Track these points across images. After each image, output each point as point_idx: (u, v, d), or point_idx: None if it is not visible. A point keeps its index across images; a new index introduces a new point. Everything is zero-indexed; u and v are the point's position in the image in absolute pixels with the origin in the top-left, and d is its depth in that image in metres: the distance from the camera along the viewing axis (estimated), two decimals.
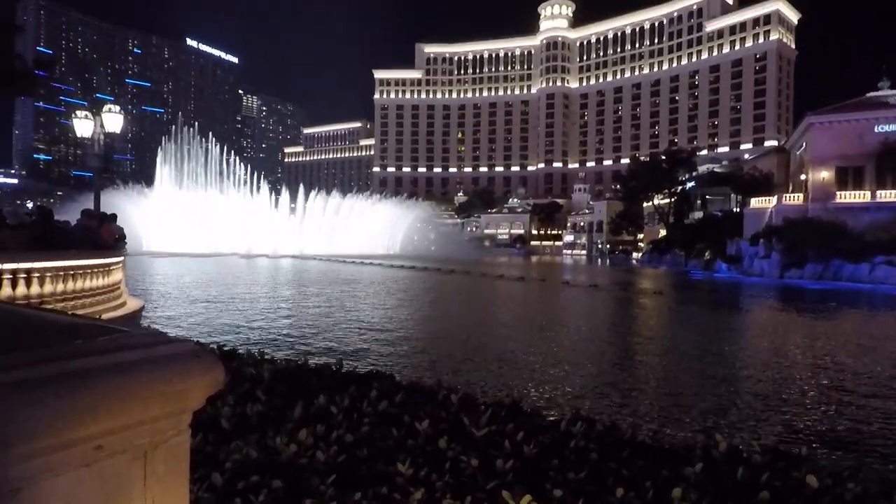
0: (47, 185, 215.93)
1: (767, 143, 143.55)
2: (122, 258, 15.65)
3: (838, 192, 60.55)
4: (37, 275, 11.04)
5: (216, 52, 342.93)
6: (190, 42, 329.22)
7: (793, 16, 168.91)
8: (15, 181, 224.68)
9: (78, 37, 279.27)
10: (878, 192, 58.36)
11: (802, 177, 68.08)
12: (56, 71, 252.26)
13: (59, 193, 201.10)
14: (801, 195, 64.92)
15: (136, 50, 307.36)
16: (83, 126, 17.60)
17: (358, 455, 3.13)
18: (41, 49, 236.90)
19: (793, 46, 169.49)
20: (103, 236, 14.71)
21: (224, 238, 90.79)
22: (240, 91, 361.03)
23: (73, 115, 17.95)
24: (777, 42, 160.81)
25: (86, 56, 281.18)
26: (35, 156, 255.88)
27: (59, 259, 11.74)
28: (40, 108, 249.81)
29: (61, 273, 11.71)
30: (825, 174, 62.41)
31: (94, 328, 1.44)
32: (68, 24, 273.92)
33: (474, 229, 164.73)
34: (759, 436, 8.24)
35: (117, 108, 18.42)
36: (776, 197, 66.83)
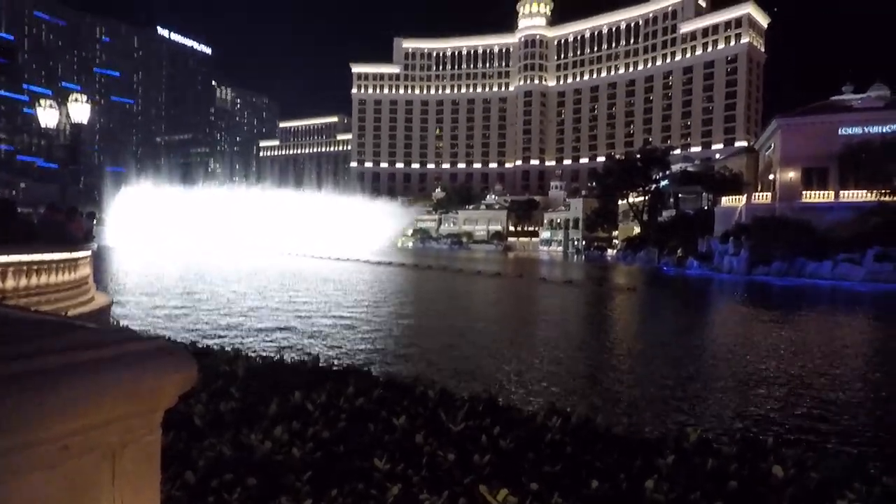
0: (9, 175, 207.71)
1: (738, 144, 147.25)
2: (89, 252, 15.17)
3: (804, 192, 62.54)
4: None
5: (188, 42, 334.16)
6: (161, 31, 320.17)
7: (763, 20, 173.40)
8: None
9: (42, 23, 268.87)
10: (841, 193, 60.47)
11: (770, 176, 70.08)
12: (19, 58, 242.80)
13: (22, 185, 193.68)
14: (769, 194, 66.83)
15: (103, 38, 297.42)
16: (48, 116, 16.99)
17: (334, 451, 3.11)
18: (3, 35, 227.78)
19: (762, 50, 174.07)
20: (72, 230, 14.25)
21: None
22: (213, 83, 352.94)
23: (37, 105, 17.32)
24: (748, 45, 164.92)
25: (50, 43, 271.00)
26: None
27: (22, 253, 11.32)
28: (1, 96, 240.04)
29: (24, 268, 11.30)
30: (792, 174, 64.37)
31: (60, 325, 1.39)
32: (31, 9, 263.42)
33: (452, 225, 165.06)
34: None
35: (84, 97, 17.83)
36: (745, 196, 68.65)
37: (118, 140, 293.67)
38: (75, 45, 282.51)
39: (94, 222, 16.97)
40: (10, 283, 10.92)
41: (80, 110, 17.32)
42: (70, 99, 17.46)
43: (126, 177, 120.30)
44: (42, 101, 17.26)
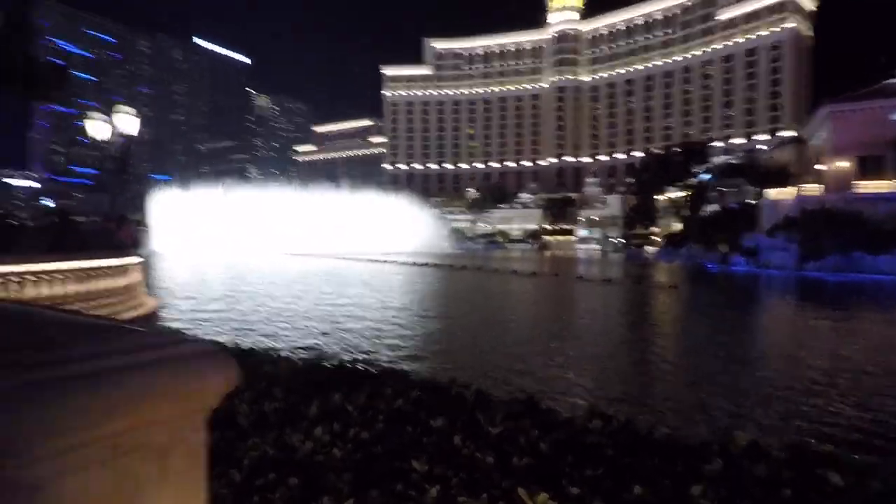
0: (65, 186, 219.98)
1: (783, 133, 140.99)
2: (139, 259, 15.87)
3: (858, 182, 59.32)
4: (59, 276, 11.25)
5: (228, 53, 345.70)
6: (200, 43, 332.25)
7: (809, 2, 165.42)
8: (37, 184, 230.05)
9: (90, 39, 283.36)
10: None
11: (821, 167, 66.81)
12: (70, 74, 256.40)
13: (77, 195, 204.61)
14: (820, 185, 63.72)
15: (147, 52, 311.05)
16: (98, 129, 17.85)
17: (373, 452, 3.14)
18: (61, 48, 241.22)
19: (809, 34, 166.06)
20: (122, 238, 14.94)
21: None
22: (250, 90, 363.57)
23: (87, 118, 18.22)
24: (792, 30, 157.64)
25: (99, 58, 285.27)
26: (53, 157, 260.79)
27: (78, 260, 11.95)
28: (56, 110, 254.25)
29: (83, 274, 11.92)
30: (844, 163, 61.19)
31: (112, 328, 1.45)
32: (83, 27, 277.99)
33: (486, 225, 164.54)
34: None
35: (132, 110, 18.65)
36: (794, 188, 65.65)
37: (164, 149, 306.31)
38: (123, 59, 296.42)
39: (143, 229, 17.76)
40: (70, 287, 11.54)
41: (128, 122, 18.13)
42: (118, 111, 18.32)
43: (172, 185, 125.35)
44: (92, 115, 18.15)
